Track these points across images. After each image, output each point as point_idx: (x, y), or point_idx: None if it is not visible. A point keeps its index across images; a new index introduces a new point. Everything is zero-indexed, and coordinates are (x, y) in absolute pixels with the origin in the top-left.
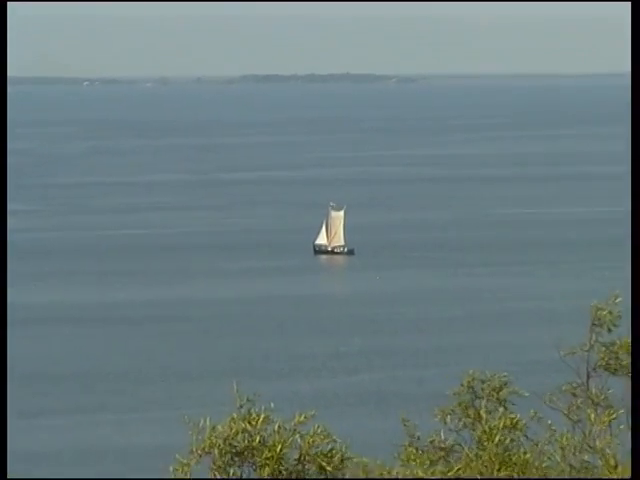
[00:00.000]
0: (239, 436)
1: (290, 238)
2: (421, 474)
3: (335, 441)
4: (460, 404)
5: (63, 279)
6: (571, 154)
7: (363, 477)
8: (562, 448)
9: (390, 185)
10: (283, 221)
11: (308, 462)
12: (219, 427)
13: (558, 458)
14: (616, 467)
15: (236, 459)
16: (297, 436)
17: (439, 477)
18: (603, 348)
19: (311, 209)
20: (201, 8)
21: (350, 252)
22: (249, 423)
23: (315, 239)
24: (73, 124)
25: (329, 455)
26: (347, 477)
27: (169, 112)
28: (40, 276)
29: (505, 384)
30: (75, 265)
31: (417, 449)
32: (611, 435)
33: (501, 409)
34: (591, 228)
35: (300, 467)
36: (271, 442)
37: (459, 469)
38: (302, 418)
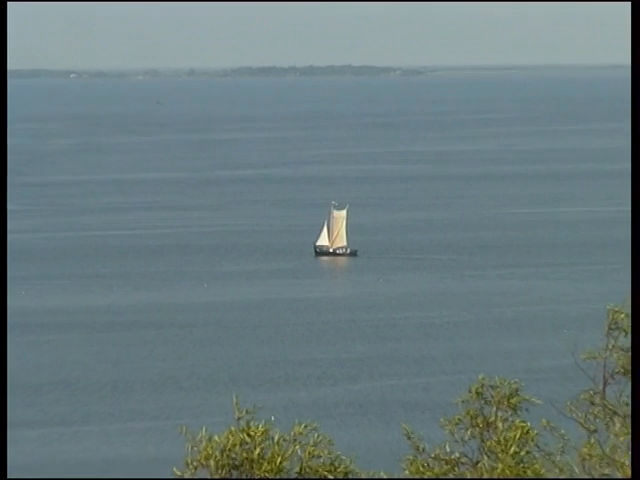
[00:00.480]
0: (237, 448)
1: (289, 239)
2: None
3: (338, 453)
4: (468, 413)
5: (48, 283)
6: (584, 150)
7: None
8: (583, 459)
9: (395, 183)
10: (282, 221)
11: (309, 475)
12: (216, 438)
13: (577, 470)
14: None
15: (234, 472)
16: (297, 447)
17: None
18: (621, 353)
19: (312, 208)
20: None
21: (353, 253)
22: (248, 435)
23: (316, 240)
24: (59, 119)
25: (331, 467)
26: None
27: (160, 106)
28: (24, 280)
29: (516, 391)
30: (60, 268)
31: (423, 463)
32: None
33: (516, 419)
34: (606, 228)
35: None
36: (270, 454)
37: None
38: (302, 428)
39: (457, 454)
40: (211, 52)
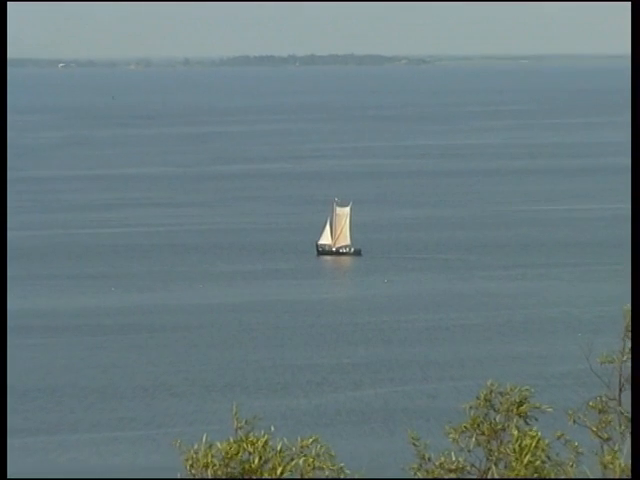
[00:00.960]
0: (237, 458)
1: (290, 238)
2: None
3: (341, 465)
4: (474, 420)
5: (33, 283)
6: (597, 144)
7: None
8: (604, 465)
9: (400, 179)
10: (282, 219)
11: None
12: (213, 449)
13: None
14: None
15: None
16: (301, 460)
17: None
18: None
19: (313, 205)
20: None
21: (357, 253)
22: (248, 445)
23: (318, 239)
24: (46, 111)
25: None
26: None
27: (153, 97)
28: (8, 280)
29: (526, 398)
30: (47, 268)
31: (428, 471)
32: None
33: (525, 427)
34: (621, 226)
35: None
36: (271, 465)
37: None
38: (308, 442)
39: (463, 462)
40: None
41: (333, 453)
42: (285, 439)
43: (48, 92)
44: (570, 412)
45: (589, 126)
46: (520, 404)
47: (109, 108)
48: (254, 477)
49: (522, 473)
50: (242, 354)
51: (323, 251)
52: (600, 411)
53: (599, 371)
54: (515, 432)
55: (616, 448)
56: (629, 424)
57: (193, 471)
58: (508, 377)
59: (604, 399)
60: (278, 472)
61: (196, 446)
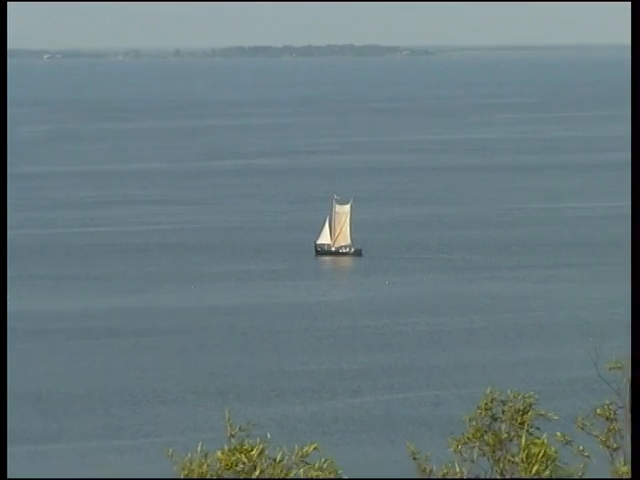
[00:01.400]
0: (235, 469)
1: (287, 237)
2: None
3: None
4: (477, 430)
5: (16, 284)
6: (607, 138)
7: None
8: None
9: (402, 175)
10: (278, 217)
11: None
12: (208, 458)
13: None
14: None
15: None
16: (301, 469)
17: None
18: None
19: (311, 203)
20: None
21: (357, 253)
22: (242, 454)
23: (316, 238)
24: (30, 104)
25: None
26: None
27: (143, 90)
28: None
29: (530, 405)
30: (31, 268)
31: None
32: None
33: (531, 435)
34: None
35: None
36: (269, 475)
37: None
38: (309, 449)
39: (467, 473)
40: (198, 30)
41: (334, 462)
42: (285, 448)
43: (33, 84)
44: (579, 420)
45: (596, 119)
46: (524, 412)
47: (96, 101)
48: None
49: None
50: (235, 359)
51: (322, 251)
52: (608, 419)
53: (608, 377)
54: (523, 440)
55: (626, 458)
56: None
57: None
58: (513, 383)
59: (612, 407)
60: None
61: (190, 455)
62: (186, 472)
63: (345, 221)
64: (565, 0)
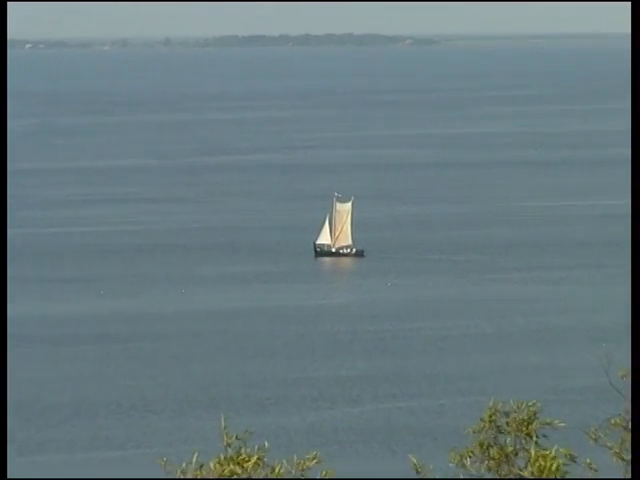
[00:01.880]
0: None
1: (284, 237)
2: None
3: None
4: (481, 444)
5: None
6: (622, 132)
7: None
8: None
9: (405, 171)
10: (275, 216)
11: None
12: (204, 469)
13: None
14: None
15: None
16: None
17: None
18: None
19: (310, 201)
20: None
21: (358, 254)
22: (238, 465)
23: (316, 238)
24: (11, 96)
25: None
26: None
27: (131, 82)
28: None
29: (534, 414)
30: (12, 270)
31: None
32: None
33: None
34: None
35: None
36: None
37: None
38: (310, 462)
39: None
40: (189, 18)
41: (335, 473)
42: (284, 461)
43: (14, 76)
44: (592, 430)
45: (608, 113)
46: (529, 422)
47: (82, 94)
48: None
49: None
50: (229, 366)
51: (322, 252)
52: (623, 429)
53: (620, 385)
54: (532, 453)
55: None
56: None
57: None
58: (521, 391)
59: (627, 417)
60: None
61: (184, 465)
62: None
63: (346, 220)
64: None
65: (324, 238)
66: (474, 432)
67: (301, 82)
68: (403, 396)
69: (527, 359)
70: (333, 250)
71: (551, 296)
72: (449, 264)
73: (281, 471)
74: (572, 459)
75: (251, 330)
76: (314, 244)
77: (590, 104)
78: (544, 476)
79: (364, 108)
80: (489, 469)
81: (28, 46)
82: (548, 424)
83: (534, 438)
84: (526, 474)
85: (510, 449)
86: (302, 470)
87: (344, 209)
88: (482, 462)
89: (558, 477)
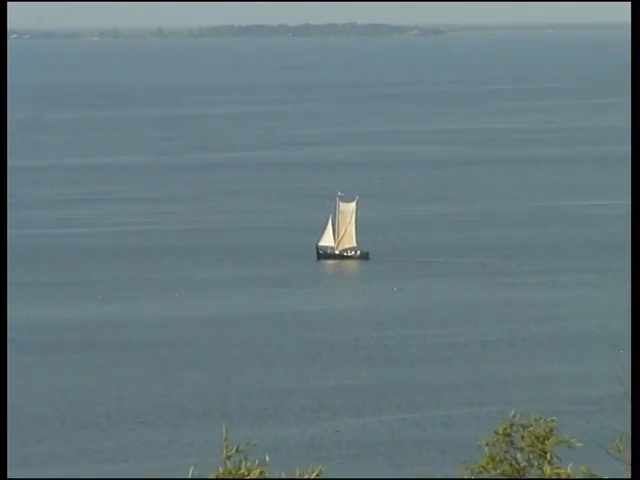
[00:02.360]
0: None
1: (285, 239)
2: None
3: None
4: (492, 459)
5: None
6: None
7: None
8: None
9: (413, 169)
10: (275, 217)
11: None
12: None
13: None
14: None
15: None
16: None
17: None
18: None
19: (312, 201)
20: None
21: (363, 256)
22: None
23: (318, 240)
24: None
25: None
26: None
27: (121, 74)
28: None
29: (551, 431)
30: None
31: None
32: None
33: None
34: None
35: None
36: None
37: None
38: (311, 474)
39: None
40: (183, 7)
41: None
42: (284, 474)
43: None
44: (615, 443)
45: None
46: (545, 438)
47: (70, 87)
48: None
49: None
50: (225, 375)
51: (324, 254)
52: None
53: None
54: (547, 470)
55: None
56: None
57: None
58: (534, 402)
59: None
60: None
61: None
62: None
63: (350, 221)
64: None
65: (327, 240)
66: (487, 445)
67: (301, 75)
68: (409, 407)
69: (540, 367)
70: (336, 252)
71: (565, 301)
72: (458, 267)
73: None
74: (592, 477)
75: (249, 337)
76: (316, 246)
77: (609, 97)
78: None
79: (368, 102)
80: None
81: (13, 37)
82: (564, 442)
83: (549, 455)
84: None
85: (523, 464)
86: None
87: (348, 209)
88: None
89: None
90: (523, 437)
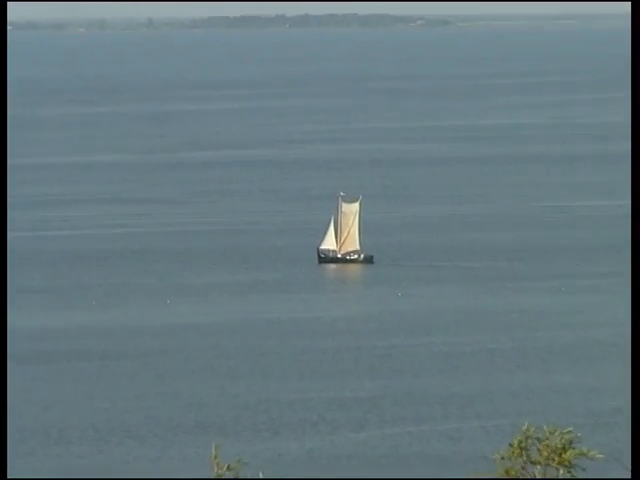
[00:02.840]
0: None
1: (284, 242)
2: None
3: None
4: (507, 472)
5: None
6: None
7: None
8: None
9: (418, 168)
10: (273, 218)
11: None
12: None
13: None
14: None
15: None
16: None
17: None
18: None
19: (313, 202)
20: None
21: (367, 260)
22: None
23: (320, 243)
24: None
25: None
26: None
27: (109, 68)
28: None
29: (570, 442)
30: None
31: None
32: None
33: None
34: None
35: None
36: None
37: None
38: None
39: None
40: None
41: None
42: None
43: None
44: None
45: None
46: (563, 450)
47: (56, 81)
48: None
49: None
50: (219, 386)
51: (326, 258)
52: None
53: None
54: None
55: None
56: None
57: None
58: (546, 414)
59: None
60: None
61: None
62: None
63: (353, 223)
64: None
65: (329, 243)
66: (502, 458)
67: (299, 68)
68: (414, 420)
69: (552, 378)
70: (339, 256)
71: (578, 307)
72: (466, 271)
73: None
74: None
75: (245, 346)
76: (317, 249)
77: (626, 92)
78: None
79: (370, 97)
80: None
81: None
82: (583, 454)
83: (566, 469)
84: None
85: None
86: None
87: (351, 210)
88: None
89: None
90: (539, 450)
